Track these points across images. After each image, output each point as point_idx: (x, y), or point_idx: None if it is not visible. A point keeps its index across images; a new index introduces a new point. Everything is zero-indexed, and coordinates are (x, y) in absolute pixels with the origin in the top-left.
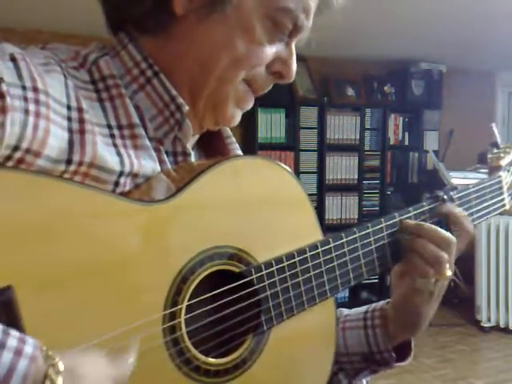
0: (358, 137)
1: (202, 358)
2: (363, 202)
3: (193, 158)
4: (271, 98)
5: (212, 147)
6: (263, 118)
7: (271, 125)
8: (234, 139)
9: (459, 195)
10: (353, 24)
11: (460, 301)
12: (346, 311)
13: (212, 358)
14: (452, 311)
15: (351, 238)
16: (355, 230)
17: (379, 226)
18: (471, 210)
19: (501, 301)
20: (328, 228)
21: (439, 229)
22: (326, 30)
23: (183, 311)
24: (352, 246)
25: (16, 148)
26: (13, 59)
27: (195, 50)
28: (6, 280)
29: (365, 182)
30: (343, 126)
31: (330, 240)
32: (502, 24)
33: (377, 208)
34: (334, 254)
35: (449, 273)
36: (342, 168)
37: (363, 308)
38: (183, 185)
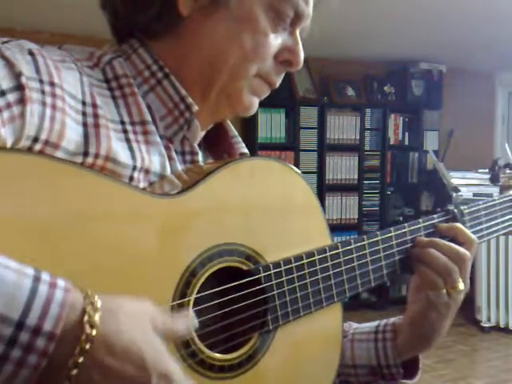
0: (358, 137)
1: (207, 352)
2: (363, 202)
3: (200, 157)
4: (271, 97)
5: (218, 147)
6: (263, 118)
7: (271, 125)
8: (239, 139)
9: (469, 210)
10: (353, 24)
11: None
12: (355, 324)
13: (217, 353)
14: None
15: (360, 244)
16: (364, 237)
17: (388, 235)
18: (481, 226)
19: (501, 301)
20: None
21: (452, 244)
22: (326, 30)
23: (191, 304)
24: (360, 253)
25: (36, 139)
26: (31, 54)
27: (203, 47)
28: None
29: (365, 181)
30: (343, 126)
31: (339, 245)
32: (502, 24)
33: (377, 208)
34: (342, 259)
35: (461, 286)
36: (342, 168)
37: (375, 322)
38: (197, 180)
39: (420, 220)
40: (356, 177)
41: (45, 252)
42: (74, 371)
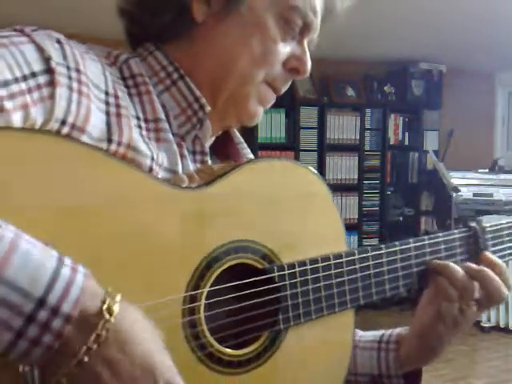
0: (358, 137)
1: (217, 345)
2: (363, 202)
3: (209, 159)
4: None
5: (225, 153)
6: (263, 118)
7: (271, 125)
8: (245, 145)
9: (492, 229)
10: (353, 25)
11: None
12: (360, 332)
13: (227, 348)
14: None
15: (377, 253)
16: (382, 246)
17: (407, 246)
18: (503, 246)
19: None
20: None
21: (472, 264)
22: (326, 31)
23: (204, 296)
24: (377, 261)
25: (63, 122)
26: (59, 42)
27: (215, 51)
28: None
29: (365, 181)
30: (343, 126)
31: (356, 252)
32: (502, 25)
33: (377, 208)
34: (357, 266)
35: (474, 306)
36: (342, 168)
37: (380, 331)
38: (216, 176)
39: (440, 234)
40: (356, 177)
41: (69, 235)
42: (86, 359)
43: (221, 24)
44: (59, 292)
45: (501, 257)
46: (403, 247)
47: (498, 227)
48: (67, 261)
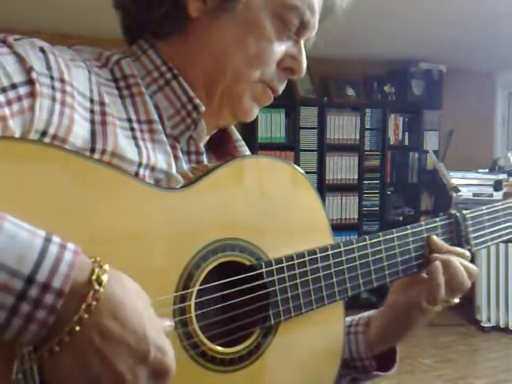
0: (357, 137)
1: (209, 344)
2: (363, 202)
3: (205, 157)
4: None
5: (222, 150)
6: (263, 118)
7: (271, 125)
8: (243, 142)
9: (472, 215)
10: (353, 24)
11: (460, 301)
12: None
13: (219, 346)
14: (452, 311)
15: (362, 244)
16: (366, 237)
17: (390, 236)
18: (484, 231)
19: (501, 301)
20: None
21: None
22: (326, 30)
23: (194, 295)
24: (362, 252)
25: (44, 133)
26: (43, 51)
27: (209, 48)
28: None
29: (365, 181)
30: (343, 126)
31: (341, 244)
32: (502, 25)
33: (377, 208)
34: (344, 258)
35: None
36: (342, 168)
37: (353, 317)
38: (201, 176)
39: (422, 223)
40: (356, 177)
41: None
42: (77, 328)
43: (216, 22)
44: (48, 269)
45: (482, 242)
46: (387, 237)
47: (478, 213)
48: (55, 239)
